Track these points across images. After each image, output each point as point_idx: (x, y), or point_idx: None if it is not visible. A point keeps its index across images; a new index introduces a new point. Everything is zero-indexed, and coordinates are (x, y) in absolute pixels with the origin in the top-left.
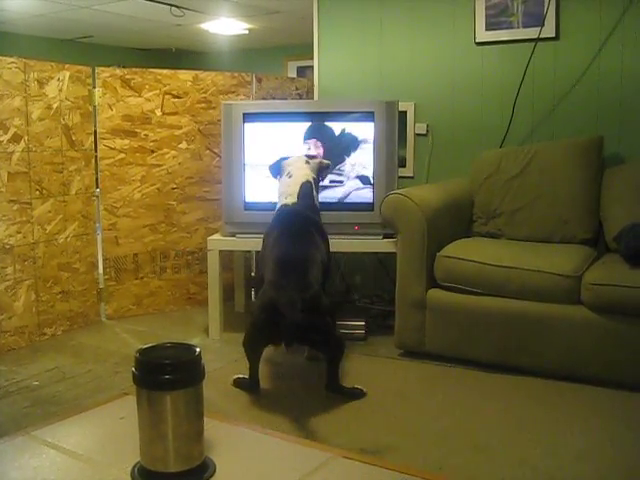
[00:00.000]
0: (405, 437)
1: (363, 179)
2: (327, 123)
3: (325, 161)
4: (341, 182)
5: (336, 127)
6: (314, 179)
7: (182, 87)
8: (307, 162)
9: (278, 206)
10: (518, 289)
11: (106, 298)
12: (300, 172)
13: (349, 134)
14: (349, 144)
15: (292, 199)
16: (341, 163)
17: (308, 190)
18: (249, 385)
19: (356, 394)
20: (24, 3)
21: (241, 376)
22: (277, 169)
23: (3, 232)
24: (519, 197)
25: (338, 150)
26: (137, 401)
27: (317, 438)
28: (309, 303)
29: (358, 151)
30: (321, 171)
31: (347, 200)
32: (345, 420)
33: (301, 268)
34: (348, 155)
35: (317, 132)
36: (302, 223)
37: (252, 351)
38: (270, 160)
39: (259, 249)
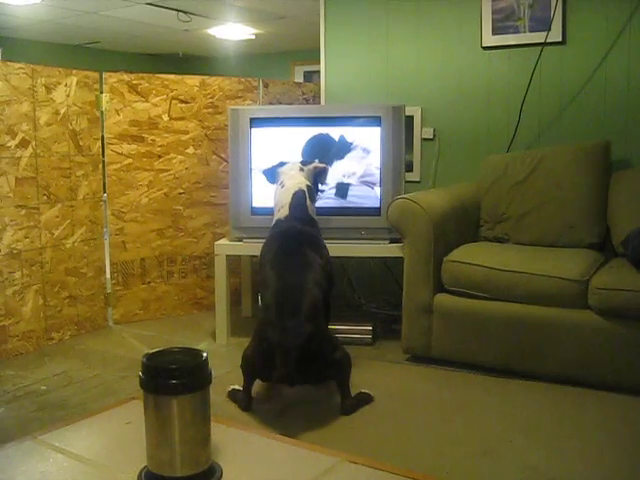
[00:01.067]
0: (412, 441)
1: (340, 188)
2: (332, 128)
3: (320, 165)
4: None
5: (340, 132)
6: (308, 187)
7: (189, 92)
8: (301, 169)
9: (274, 220)
10: (525, 294)
11: (113, 303)
12: (293, 181)
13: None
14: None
15: (284, 211)
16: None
17: (301, 199)
18: (242, 400)
19: (365, 400)
20: (32, 9)
21: (237, 387)
22: (272, 175)
23: (11, 237)
24: (526, 202)
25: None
26: (144, 406)
27: (324, 443)
28: (308, 344)
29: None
30: (317, 176)
31: (348, 205)
32: (352, 424)
33: (297, 305)
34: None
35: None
36: (296, 245)
37: (248, 377)
38: (267, 165)
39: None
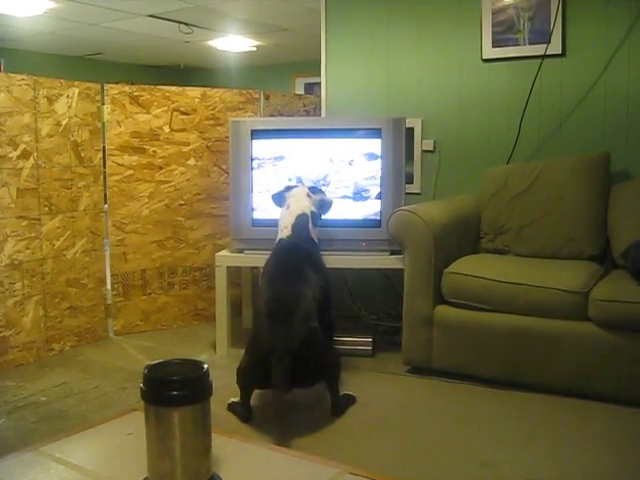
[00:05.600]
0: (412, 453)
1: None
2: (332, 140)
3: (327, 198)
4: None
5: (340, 144)
6: (312, 212)
7: (190, 104)
8: (308, 195)
9: (277, 240)
10: (525, 305)
11: (114, 314)
12: (298, 205)
13: None
14: None
15: (287, 232)
16: None
17: (303, 222)
18: (241, 411)
19: (351, 401)
20: (34, 21)
21: (236, 400)
22: (280, 199)
23: (12, 248)
24: (526, 213)
25: None
26: (145, 417)
27: (324, 454)
28: (301, 349)
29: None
30: (322, 207)
31: (349, 217)
32: (351, 436)
33: (290, 310)
34: None
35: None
36: (295, 261)
37: (244, 387)
38: (274, 187)
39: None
